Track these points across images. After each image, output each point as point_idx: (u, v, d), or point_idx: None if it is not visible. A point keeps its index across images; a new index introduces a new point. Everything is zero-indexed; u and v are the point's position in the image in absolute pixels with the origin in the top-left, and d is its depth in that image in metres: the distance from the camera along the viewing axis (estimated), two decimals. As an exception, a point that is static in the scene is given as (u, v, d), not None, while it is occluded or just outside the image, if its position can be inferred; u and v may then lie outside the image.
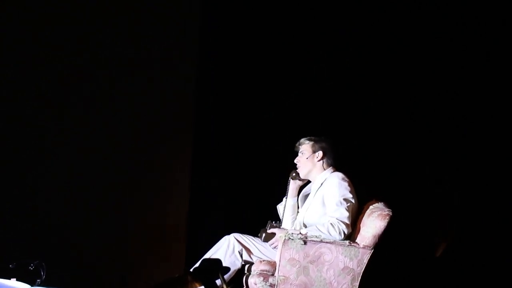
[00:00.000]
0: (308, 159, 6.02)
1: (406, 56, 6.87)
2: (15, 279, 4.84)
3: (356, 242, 5.61)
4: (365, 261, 5.55)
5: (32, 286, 4.86)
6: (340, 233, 5.61)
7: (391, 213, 5.60)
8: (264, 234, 5.83)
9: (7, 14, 6.68)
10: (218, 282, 5.04)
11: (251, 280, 5.62)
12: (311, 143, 6.05)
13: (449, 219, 3.22)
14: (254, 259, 5.82)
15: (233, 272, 5.72)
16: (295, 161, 6.07)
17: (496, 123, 6.54)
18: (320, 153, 6.01)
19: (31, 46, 6.74)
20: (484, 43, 6.62)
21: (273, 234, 5.79)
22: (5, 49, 6.68)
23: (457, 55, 6.76)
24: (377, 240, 5.57)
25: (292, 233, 5.56)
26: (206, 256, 5.80)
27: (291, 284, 5.50)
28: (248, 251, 5.87)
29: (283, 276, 5.51)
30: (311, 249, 5.53)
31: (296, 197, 6.15)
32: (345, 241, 5.59)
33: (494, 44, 6.60)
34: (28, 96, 6.73)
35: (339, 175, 5.90)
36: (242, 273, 5.86)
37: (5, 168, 6.59)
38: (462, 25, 6.68)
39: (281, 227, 5.93)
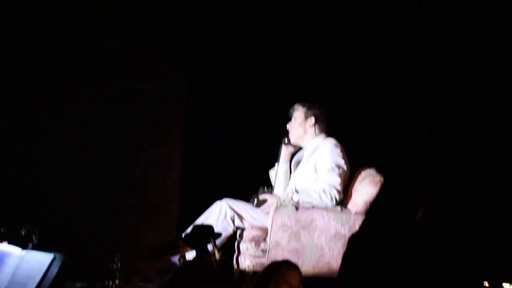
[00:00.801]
0: (300, 125, 6.02)
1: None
2: (6, 242, 4.84)
3: (348, 208, 5.63)
4: (357, 227, 5.56)
5: (24, 250, 4.87)
6: (332, 199, 5.62)
7: (382, 179, 5.61)
8: (256, 200, 5.82)
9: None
10: (210, 247, 5.07)
11: (242, 245, 5.64)
12: (304, 109, 6.04)
13: (423, 182, 3.24)
14: (246, 225, 5.83)
15: (225, 238, 5.72)
16: (288, 126, 6.07)
17: (483, 102, 6.54)
18: (312, 119, 6.01)
19: (27, 47, 6.73)
20: (471, 39, 6.62)
21: (265, 200, 5.79)
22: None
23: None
24: (368, 206, 5.58)
25: (284, 199, 5.58)
26: (198, 221, 5.82)
27: (282, 249, 5.52)
28: (240, 217, 5.88)
29: (275, 241, 5.53)
30: (303, 215, 5.54)
31: (289, 163, 6.15)
32: (336, 207, 5.61)
33: (479, 39, 6.59)
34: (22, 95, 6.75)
35: (331, 141, 5.91)
36: (234, 238, 5.87)
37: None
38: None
39: (273, 193, 5.94)
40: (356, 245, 5.19)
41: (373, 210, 5.58)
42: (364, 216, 5.57)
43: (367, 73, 6.88)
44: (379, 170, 5.73)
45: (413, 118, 6.65)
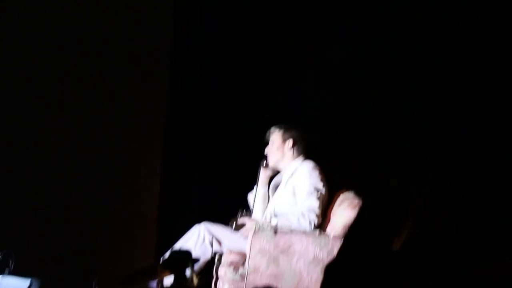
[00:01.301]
0: (278, 148, 6.02)
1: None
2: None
3: (327, 232, 5.62)
4: (335, 251, 5.55)
5: (0, 274, 4.84)
6: (310, 223, 5.62)
7: (361, 203, 5.61)
8: (234, 224, 5.81)
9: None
10: (188, 272, 5.05)
11: (221, 270, 5.62)
12: (281, 131, 6.04)
13: (406, 212, 3.25)
14: (225, 249, 5.81)
15: (203, 262, 5.70)
16: (266, 149, 6.07)
17: (461, 121, 6.58)
18: (290, 142, 6.01)
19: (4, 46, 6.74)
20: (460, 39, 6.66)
21: (244, 224, 5.78)
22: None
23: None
24: (347, 230, 5.58)
25: (262, 223, 5.57)
26: (176, 245, 5.79)
27: (261, 274, 5.50)
28: (219, 241, 5.85)
29: (253, 266, 5.51)
30: (281, 239, 5.53)
31: (267, 187, 6.15)
32: (315, 231, 5.60)
33: (469, 40, 6.64)
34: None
35: (310, 164, 5.91)
36: (212, 263, 5.85)
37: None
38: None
39: (251, 216, 5.93)
40: (333, 272, 5.20)
41: (352, 235, 5.59)
42: (342, 240, 5.56)
43: (349, 95, 6.91)
44: (358, 193, 5.73)
45: (392, 142, 6.68)
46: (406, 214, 3.37)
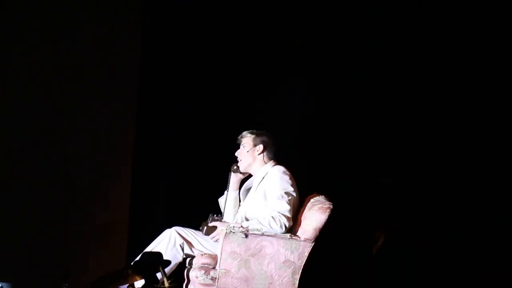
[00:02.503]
0: (249, 152, 6.03)
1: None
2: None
3: (297, 235, 5.64)
4: (306, 254, 5.58)
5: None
6: (281, 226, 5.64)
7: (331, 206, 5.64)
8: (205, 228, 5.81)
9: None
10: (159, 275, 5.04)
11: (192, 274, 5.62)
12: (252, 136, 6.06)
13: (389, 213, 3.27)
14: (196, 253, 5.81)
15: (174, 266, 5.70)
16: (236, 154, 6.08)
17: (441, 119, 6.63)
18: (260, 147, 6.02)
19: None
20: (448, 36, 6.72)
21: (215, 228, 5.78)
22: None
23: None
24: (318, 233, 5.61)
25: (233, 226, 5.57)
26: (147, 249, 5.77)
27: (232, 277, 5.51)
28: (190, 245, 5.86)
29: (225, 269, 5.52)
30: (252, 242, 5.55)
31: (238, 190, 6.15)
32: (286, 234, 5.62)
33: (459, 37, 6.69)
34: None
35: (280, 168, 5.93)
36: (183, 266, 5.85)
37: None
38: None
39: (222, 220, 5.93)
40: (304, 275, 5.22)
41: (322, 238, 5.62)
42: (313, 243, 5.60)
43: (320, 97, 6.94)
44: (328, 197, 5.76)
45: (364, 144, 6.72)
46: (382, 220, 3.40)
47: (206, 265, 5.61)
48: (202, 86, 7.07)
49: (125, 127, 7.08)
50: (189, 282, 5.66)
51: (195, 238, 5.88)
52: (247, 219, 5.82)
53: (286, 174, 5.87)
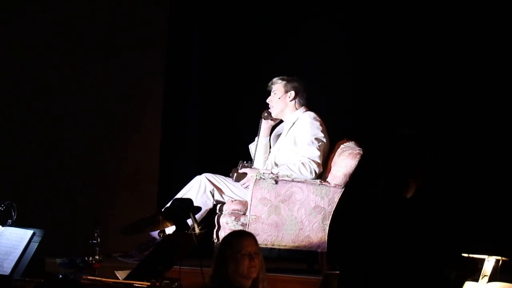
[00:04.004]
0: (280, 99, 6.00)
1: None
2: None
3: (327, 181, 5.64)
4: (336, 199, 5.58)
5: (3, 226, 4.86)
6: (311, 172, 5.63)
7: (361, 152, 5.62)
8: (235, 174, 5.82)
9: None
10: (190, 221, 5.06)
11: (222, 220, 5.65)
12: (284, 82, 6.02)
13: (419, 160, 3.24)
14: (226, 199, 5.83)
15: (204, 212, 5.72)
16: (267, 100, 6.05)
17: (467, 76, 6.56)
18: (292, 93, 5.99)
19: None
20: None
21: (245, 174, 5.79)
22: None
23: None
24: (348, 179, 5.60)
25: (263, 173, 5.58)
26: (178, 196, 5.80)
27: (262, 223, 5.53)
28: (220, 191, 5.88)
29: (255, 215, 5.54)
30: (283, 188, 5.55)
31: (268, 137, 6.14)
32: (316, 180, 5.62)
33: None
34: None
35: (311, 114, 5.90)
36: (213, 212, 5.88)
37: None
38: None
39: (252, 166, 5.93)
40: (341, 219, 5.21)
41: (352, 183, 5.61)
42: (343, 189, 5.59)
43: (350, 51, 6.89)
44: (358, 143, 5.74)
45: (397, 94, 6.66)
46: (413, 164, 3.36)
47: (236, 211, 5.64)
48: (232, 37, 7.04)
49: (155, 77, 7.09)
50: (220, 228, 5.69)
51: (225, 184, 5.89)
52: (277, 165, 5.82)
53: (317, 120, 5.85)
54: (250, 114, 6.25)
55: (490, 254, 4.38)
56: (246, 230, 5.42)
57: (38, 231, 4.82)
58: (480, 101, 6.47)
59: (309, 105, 6.02)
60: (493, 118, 6.44)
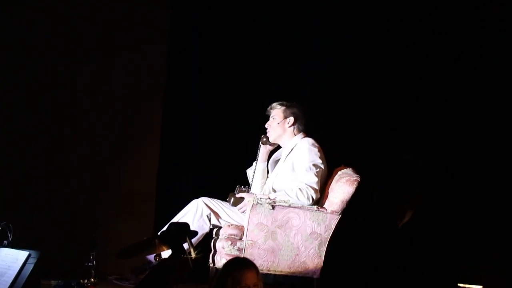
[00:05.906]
0: (279, 124, 6.02)
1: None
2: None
3: (324, 207, 5.64)
4: (333, 226, 5.58)
5: (-1, 247, 4.86)
6: (308, 198, 5.63)
7: (359, 179, 5.63)
8: (232, 199, 5.82)
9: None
10: (186, 246, 5.05)
11: (219, 244, 5.64)
12: (283, 108, 6.04)
13: (415, 186, 3.23)
14: (222, 223, 5.83)
15: (201, 236, 5.72)
16: (266, 125, 6.07)
17: (459, 94, 6.57)
18: (291, 119, 6.01)
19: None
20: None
21: (242, 199, 5.79)
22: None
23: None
24: (345, 205, 5.60)
25: (260, 198, 5.58)
26: (174, 219, 5.81)
27: (259, 248, 5.53)
28: (217, 215, 5.87)
29: (251, 240, 5.54)
30: (279, 213, 5.55)
31: (266, 162, 6.15)
32: (313, 206, 5.62)
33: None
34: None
35: (309, 140, 5.91)
36: (210, 237, 5.88)
37: None
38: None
39: (250, 191, 5.93)
40: (337, 244, 5.20)
41: (349, 210, 5.60)
42: (340, 215, 5.59)
43: (348, 76, 6.91)
44: (356, 170, 5.74)
45: (392, 120, 6.67)
46: (409, 194, 3.37)
47: (233, 236, 5.63)
48: (234, 54, 7.06)
49: (154, 96, 7.09)
50: (216, 253, 5.69)
51: (222, 209, 5.89)
52: (274, 191, 5.82)
53: (315, 146, 5.86)
54: (249, 139, 6.27)
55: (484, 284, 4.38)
56: (242, 255, 5.41)
57: (33, 253, 4.81)
58: (479, 111, 6.49)
59: (307, 131, 6.02)
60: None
